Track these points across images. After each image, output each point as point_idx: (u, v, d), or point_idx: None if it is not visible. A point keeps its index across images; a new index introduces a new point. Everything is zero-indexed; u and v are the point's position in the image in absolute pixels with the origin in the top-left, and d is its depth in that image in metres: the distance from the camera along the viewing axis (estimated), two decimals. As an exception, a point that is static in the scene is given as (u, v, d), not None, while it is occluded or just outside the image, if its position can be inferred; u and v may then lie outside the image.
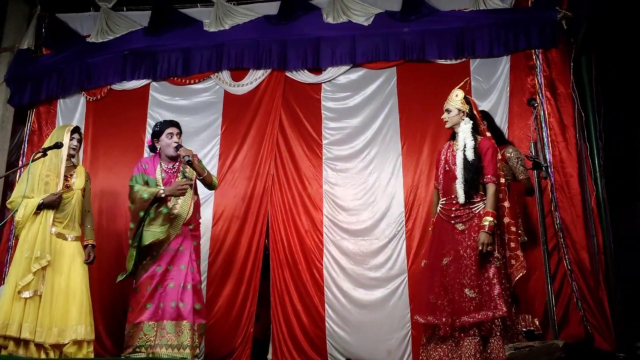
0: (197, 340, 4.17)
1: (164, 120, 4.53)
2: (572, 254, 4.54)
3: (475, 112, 4.07)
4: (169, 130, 4.38)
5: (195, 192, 4.44)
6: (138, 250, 4.19)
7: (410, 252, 4.86)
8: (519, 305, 3.95)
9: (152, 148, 4.50)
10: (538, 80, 4.94)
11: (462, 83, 4.17)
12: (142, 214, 4.16)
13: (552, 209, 4.65)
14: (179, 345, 4.05)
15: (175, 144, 4.33)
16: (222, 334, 4.92)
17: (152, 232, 4.16)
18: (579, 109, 4.77)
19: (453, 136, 4.14)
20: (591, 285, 4.44)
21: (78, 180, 4.59)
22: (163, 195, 4.17)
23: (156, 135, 4.42)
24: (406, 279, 4.82)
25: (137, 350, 4.07)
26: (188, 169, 4.36)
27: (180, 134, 4.44)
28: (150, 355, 4.03)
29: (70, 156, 4.57)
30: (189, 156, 4.22)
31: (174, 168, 4.41)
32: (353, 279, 4.93)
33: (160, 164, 4.41)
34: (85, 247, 4.59)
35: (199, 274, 4.37)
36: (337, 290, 4.94)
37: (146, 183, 4.31)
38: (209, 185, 4.51)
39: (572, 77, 4.82)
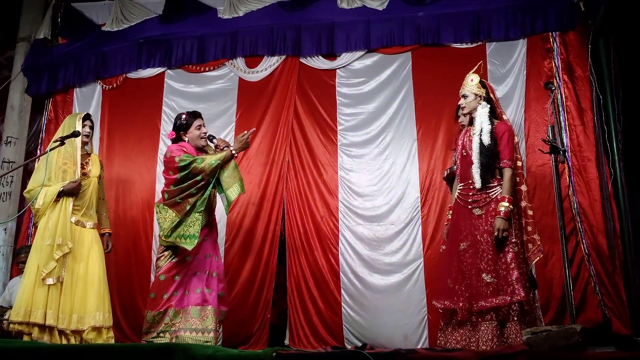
0: (219, 327, 4.23)
1: (188, 112, 4.46)
2: (590, 238, 4.50)
3: (492, 96, 4.04)
4: (197, 122, 4.39)
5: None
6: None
7: (426, 238, 4.85)
8: (537, 290, 3.93)
9: (176, 140, 4.41)
10: (555, 64, 4.88)
11: (475, 67, 4.13)
12: (211, 179, 4.14)
13: (570, 193, 4.61)
14: (203, 329, 4.10)
15: (207, 134, 4.37)
16: (239, 320, 4.96)
17: (235, 188, 4.15)
18: (597, 92, 4.71)
19: (471, 122, 4.11)
20: (609, 270, 4.41)
21: (94, 168, 4.64)
22: (235, 154, 4.18)
23: (183, 128, 4.37)
24: (422, 264, 4.82)
25: (161, 334, 4.12)
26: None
27: (205, 125, 4.48)
28: (174, 339, 4.08)
29: (83, 143, 4.61)
30: (228, 146, 4.27)
31: None
32: (369, 264, 4.94)
33: None
34: (102, 235, 4.65)
35: (222, 262, 4.40)
36: (353, 276, 4.95)
37: None
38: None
39: (590, 59, 4.76)
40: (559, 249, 3.81)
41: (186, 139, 4.37)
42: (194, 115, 4.43)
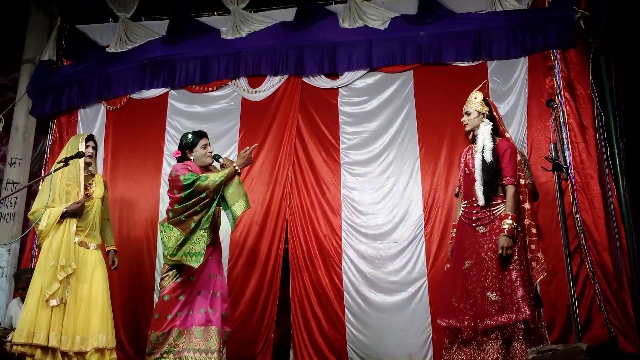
0: (223, 347, 4.20)
1: (194, 132, 4.44)
2: (594, 256, 4.48)
3: (495, 114, 4.05)
4: (203, 141, 4.38)
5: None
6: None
7: (429, 256, 4.85)
8: (542, 309, 3.91)
9: (182, 159, 4.40)
10: (557, 81, 4.90)
11: (480, 85, 4.14)
12: (216, 196, 4.13)
13: (573, 210, 4.60)
14: (206, 349, 4.07)
15: (212, 153, 4.37)
16: (243, 340, 4.94)
17: (240, 204, 4.15)
18: (598, 109, 4.72)
19: (474, 139, 4.12)
20: (614, 287, 4.39)
21: (98, 189, 4.64)
22: (239, 170, 4.19)
23: (189, 147, 4.36)
24: (426, 282, 4.80)
25: (165, 355, 4.09)
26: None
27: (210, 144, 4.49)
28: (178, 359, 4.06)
29: (87, 164, 4.62)
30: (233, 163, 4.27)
31: None
32: (372, 283, 4.92)
33: None
34: (107, 252, 4.65)
35: (225, 282, 4.40)
36: (356, 295, 4.93)
37: None
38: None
39: (592, 77, 4.78)
40: (564, 266, 3.79)
41: (192, 158, 4.37)
42: (200, 134, 4.44)
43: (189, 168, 4.26)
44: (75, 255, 4.35)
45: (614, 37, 4.71)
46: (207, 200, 4.11)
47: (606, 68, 4.84)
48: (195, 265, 4.04)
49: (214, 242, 4.31)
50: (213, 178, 4.12)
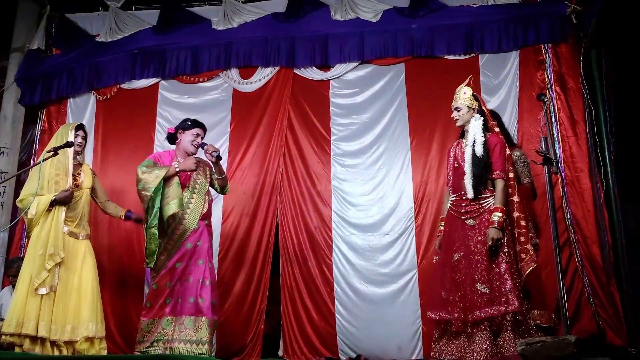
0: (213, 338, 4.23)
1: (196, 120, 4.58)
2: (584, 249, 4.51)
3: (484, 108, 4.10)
4: (197, 130, 4.49)
5: (209, 193, 4.51)
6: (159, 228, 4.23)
7: (420, 248, 4.86)
8: (530, 301, 3.94)
9: (172, 137, 4.55)
10: (548, 75, 4.92)
11: (467, 81, 4.16)
12: (155, 191, 4.23)
13: (563, 204, 4.63)
14: (197, 341, 4.09)
15: (197, 144, 4.45)
16: (232, 331, 4.94)
17: (172, 205, 4.22)
18: (589, 103, 4.74)
19: (462, 134, 4.15)
20: (603, 281, 4.42)
21: (87, 180, 4.62)
22: (178, 171, 4.28)
23: (184, 128, 4.49)
24: (416, 274, 4.82)
25: (155, 344, 4.11)
26: (202, 171, 4.45)
27: (203, 138, 4.55)
28: (168, 350, 4.07)
29: (76, 153, 4.59)
30: (217, 152, 4.32)
31: None
32: (363, 275, 4.93)
33: (177, 158, 4.47)
34: (126, 214, 4.70)
35: (215, 270, 4.40)
36: (346, 287, 4.94)
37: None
38: (222, 187, 4.58)
39: (582, 71, 4.80)
40: (553, 259, 3.81)
41: (179, 140, 4.46)
42: (198, 124, 4.54)
43: (157, 157, 4.44)
44: (64, 245, 4.33)
45: (605, 32, 4.71)
46: (147, 194, 4.20)
47: (597, 63, 4.85)
48: (150, 266, 4.20)
49: (201, 229, 4.32)
50: (155, 171, 4.23)
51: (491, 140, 3.97)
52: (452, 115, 4.13)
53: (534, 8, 5.02)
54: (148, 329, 4.14)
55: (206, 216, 4.42)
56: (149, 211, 4.23)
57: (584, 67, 4.81)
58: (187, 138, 4.46)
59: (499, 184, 3.88)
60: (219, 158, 4.34)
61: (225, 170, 4.64)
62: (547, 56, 4.95)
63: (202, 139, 4.51)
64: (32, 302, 4.17)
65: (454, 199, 4.05)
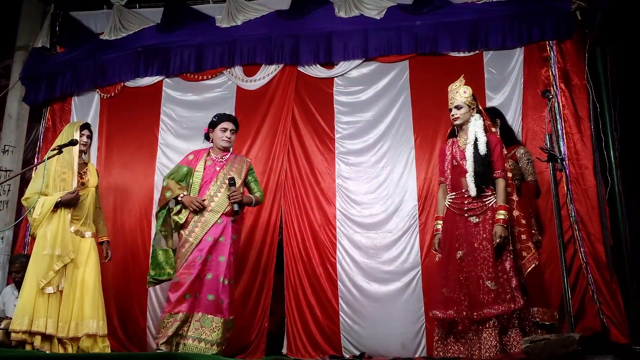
0: (227, 336, 4.28)
1: (224, 114, 4.65)
2: (588, 247, 4.50)
3: (480, 108, 4.12)
4: (224, 124, 4.52)
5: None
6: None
7: (423, 246, 4.85)
8: (528, 298, 3.95)
9: (207, 136, 4.63)
10: (552, 72, 4.91)
11: (460, 79, 4.15)
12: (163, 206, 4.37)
13: (567, 201, 4.62)
14: (211, 341, 4.11)
15: (226, 139, 4.49)
16: (237, 329, 4.91)
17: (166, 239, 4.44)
18: (593, 100, 4.73)
19: (453, 133, 4.17)
20: (607, 278, 4.41)
21: (92, 178, 4.64)
22: (181, 198, 4.35)
23: (212, 125, 4.55)
24: (420, 272, 4.81)
25: (170, 340, 4.11)
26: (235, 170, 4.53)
27: (234, 131, 4.57)
28: (182, 346, 4.09)
29: (81, 152, 4.60)
30: (235, 203, 4.33)
31: (222, 160, 4.52)
32: (366, 272, 4.93)
33: (210, 153, 4.53)
34: (101, 244, 4.64)
35: (234, 269, 4.41)
36: (350, 284, 4.94)
37: (185, 174, 4.44)
38: (257, 203, 4.69)
39: (587, 68, 4.79)
40: (557, 257, 3.81)
41: (211, 137, 4.56)
42: (224, 117, 4.58)
43: (190, 157, 4.50)
44: (73, 244, 4.34)
45: (610, 28, 4.71)
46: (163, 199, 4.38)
47: (602, 60, 4.85)
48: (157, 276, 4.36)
49: (224, 222, 4.32)
50: (172, 186, 4.37)
51: (491, 140, 3.99)
52: (451, 114, 4.12)
53: (539, 5, 5.00)
54: (164, 324, 4.15)
55: (230, 213, 4.36)
56: (159, 212, 4.49)
57: (589, 64, 4.80)
58: (217, 135, 4.52)
59: (501, 182, 3.90)
60: (235, 213, 4.33)
61: (252, 201, 4.58)
62: (552, 53, 4.94)
63: (232, 132, 4.53)
64: (40, 301, 4.19)
65: (453, 197, 4.05)
